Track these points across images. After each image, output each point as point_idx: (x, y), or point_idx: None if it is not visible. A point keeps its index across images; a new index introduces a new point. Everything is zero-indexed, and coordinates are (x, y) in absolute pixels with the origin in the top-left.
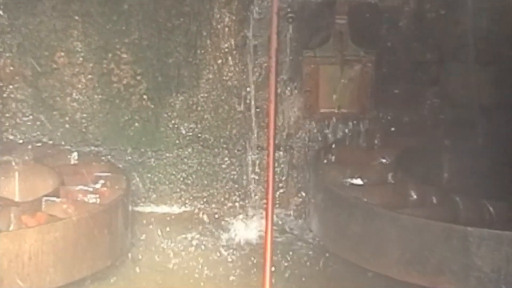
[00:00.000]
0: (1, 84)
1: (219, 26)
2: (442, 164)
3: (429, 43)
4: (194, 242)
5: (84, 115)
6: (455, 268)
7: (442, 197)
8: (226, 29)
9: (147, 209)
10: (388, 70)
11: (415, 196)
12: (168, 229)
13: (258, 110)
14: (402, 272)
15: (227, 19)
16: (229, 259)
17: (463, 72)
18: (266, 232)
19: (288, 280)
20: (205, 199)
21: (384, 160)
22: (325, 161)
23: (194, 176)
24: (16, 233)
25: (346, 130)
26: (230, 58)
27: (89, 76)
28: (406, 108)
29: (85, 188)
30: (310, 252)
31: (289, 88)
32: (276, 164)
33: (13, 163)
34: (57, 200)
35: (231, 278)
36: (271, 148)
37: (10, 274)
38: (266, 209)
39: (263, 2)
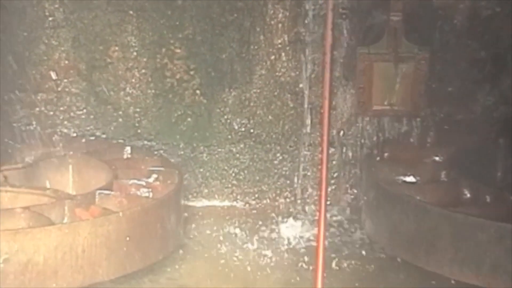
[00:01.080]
0: (56, 78)
1: (272, 22)
2: (496, 162)
3: (484, 41)
4: (245, 237)
5: (137, 109)
6: (510, 268)
7: (495, 196)
8: (280, 25)
9: (199, 203)
10: (442, 67)
11: (468, 195)
12: (219, 223)
13: (311, 106)
14: (455, 271)
15: (280, 15)
16: (280, 253)
17: None
18: (318, 228)
19: (339, 276)
20: (256, 195)
21: (437, 158)
22: (378, 158)
23: (246, 171)
24: (70, 226)
25: (399, 128)
26: (283, 54)
27: (143, 71)
28: (459, 106)
29: (138, 182)
30: (361, 249)
31: (342, 85)
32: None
33: (67, 157)
34: (110, 193)
35: (282, 271)
36: (324, 145)
37: (64, 266)
38: (319, 205)
39: None
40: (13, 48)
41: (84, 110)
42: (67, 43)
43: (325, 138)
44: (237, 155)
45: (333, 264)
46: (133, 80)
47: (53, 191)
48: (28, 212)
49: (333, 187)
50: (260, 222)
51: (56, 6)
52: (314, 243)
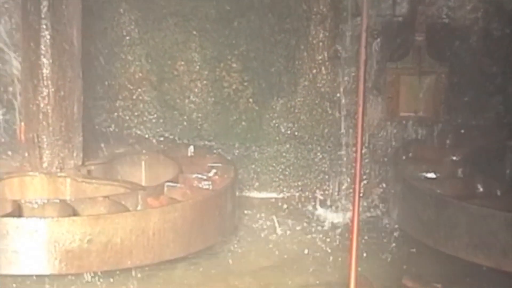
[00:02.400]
0: (131, 88)
1: (314, 41)
2: (505, 161)
3: (495, 57)
4: (290, 224)
5: (199, 114)
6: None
7: (505, 190)
8: (321, 43)
9: (251, 194)
10: (459, 80)
11: (481, 189)
12: (268, 212)
13: (346, 113)
14: (470, 254)
15: (321, 35)
16: (319, 236)
17: None
18: (353, 217)
19: (370, 259)
20: (300, 188)
21: (454, 158)
22: (404, 157)
23: (291, 167)
24: (143, 213)
25: (422, 131)
26: (323, 68)
27: (204, 82)
28: (474, 113)
29: (200, 176)
30: (390, 235)
31: (373, 95)
32: None
33: (141, 154)
34: (177, 185)
35: (320, 255)
36: (358, 146)
37: (137, 247)
38: (353, 197)
39: (353, 20)
40: (96, 62)
41: (155, 115)
42: (141, 58)
43: (359, 139)
44: (284, 154)
45: (364, 244)
46: (196, 90)
47: (128, 183)
48: (108, 200)
49: (365, 181)
50: (303, 210)
51: (132, 27)
52: (348, 228)
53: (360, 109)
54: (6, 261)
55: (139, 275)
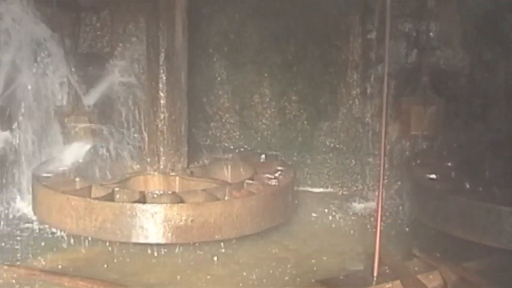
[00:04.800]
0: (221, 113)
1: (350, 81)
2: (485, 167)
3: (478, 93)
4: (331, 210)
5: (269, 132)
6: (496, 231)
7: (484, 187)
8: (354, 83)
9: (304, 189)
10: (452, 109)
11: (468, 186)
12: (317, 202)
13: (372, 132)
14: (460, 233)
15: (355, 76)
16: (354, 219)
17: (500, 111)
18: (377, 206)
19: (389, 236)
20: (340, 185)
21: (449, 164)
22: (413, 163)
23: (333, 170)
24: (229, 201)
25: (426, 145)
26: (356, 100)
27: (272, 110)
28: (463, 132)
29: (269, 176)
30: (403, 220)
31: (392, 119)
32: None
33: (227, 160)
34: (253, 182)
35: (353, 233)
36: (382, 155)
37: (225, 225)
38: (377, 192)
39: (377, 66)
40: (197, 95)
41: (237, 133)
42: (228, 93)
43: (382, 151)
44: (328, 160)
45: (385, 225)
46: (266, 115)
47: (219, 180)
48: (204, 192)
49: (385, 181)
50: (341, 201)
51: (222, 70)
52: (374, 215)
53: (383, 129)
54: (135, 233)
55: (226, 245)
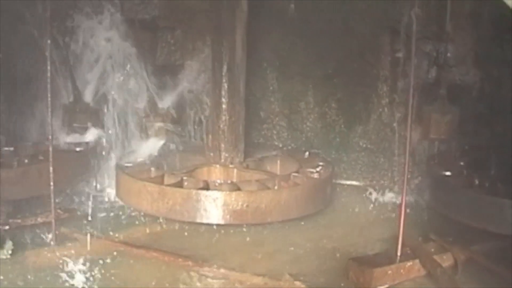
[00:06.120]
0: (272, 117)
1: (380, 92)
2: (491, 166)
3: (487, 105)
4: (363, 199)
5: (312, 134)
6: (494, 220)
7: (491, 183)
8: (384, 93)
9: (340, 182)
10: (465, 116)
11: (477, 182)
12: (351, 192)
13: (399, 135)
14: (471, 221)
15: (385, 88)
16: (381, 208)
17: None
18: (402, 197)
19: (411, 223)
20: (370, 179)
21: (461, 163)
22: (432, 162)
23: (365, 167)
24: (278, 191)
25: (443, 147)
26: (386, 108)
27: (315, 115)
28: (474, 137)
29: (312, 170)
30: (423, 209)
31: (415, 124)
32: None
33: (277, 156)
34: (298, 175)
35: (381, 220)
36: (406, 154)
37: (274, 210)
38: (402, 185)
39: (404, 80)
40: (252, 101)
41: (286, 133)
42: (278, 100)
43: (407, 151)
44: (361, 158)
45: (408, 214)
46: (310, 119)
47: (270, 173)
48: (257, 182)
49: (409, 176)
50: (371, 192)
51: (273, 81)
52: (399, 204)
53: (408, 133)
54: (199, 215)
55: (276, 227)
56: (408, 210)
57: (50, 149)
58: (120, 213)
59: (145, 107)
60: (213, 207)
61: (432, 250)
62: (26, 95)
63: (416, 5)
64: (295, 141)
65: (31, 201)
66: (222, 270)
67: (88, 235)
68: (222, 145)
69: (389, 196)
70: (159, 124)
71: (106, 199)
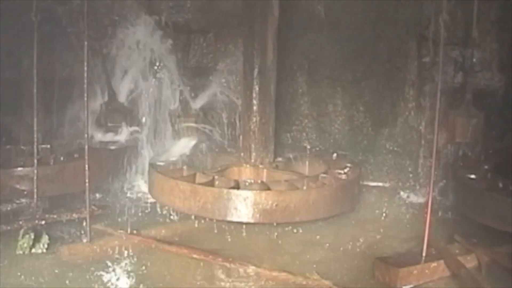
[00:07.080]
0: (301, 119)
1: (407, 96)
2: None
3: (511, 108)
4: (389, 199)
5: (340, 136)
6: None
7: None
8: (411, 97)
9: (367, 183)
10: (490, 121)
11: (501, 185)
12: (377, 193)
13: (425, 139)
14: (493, 223)
15: (411, 92)
16: (406, 208)
17: None
18: (428, 198)
19: (436, 224)
20: (396, 180)
21: (486, 167)
22: (457, 165)
23: (391, 168)
24: (307, 191)
25: (468, 151)
26: (412, 112)
27: (343, 117)
28: (498, 141)
29: (339, 171)
30: (447, 210)
31: (441, 128)
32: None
33: (305, 157)
34: (326, 176)
35: (406, 220)
36: (433, 157)
37: (302, 210)
38: (428, 187)
39: (430, 84)
40: (283, 104)
41: (314, 135)
42: (307, 103)
43: (433, 153)
44: (387, 160)
45: (433, 215)
46: (338, 122)
47: (299, 173)
48: (287, 182)
49: (434, 178)
50: (398, 193)
51: (303, 84)
52: (425, 206)
53: (435, 136)
54: (230, 213)
55: (304, 226)
56: (433, 212)
57: (86, 147)
58: (152, 210)
59: (177, 107)
60: (243, 206)
61: (457, 251)
62: (62, 95)
63: (444, 11)
64: (323, 142)
65: (66, 197)
66: (251, 267)
67: (121, 231)
68: (253, 146)
69: (414, 198)
70: (191, 124)
71: (139, 197)
